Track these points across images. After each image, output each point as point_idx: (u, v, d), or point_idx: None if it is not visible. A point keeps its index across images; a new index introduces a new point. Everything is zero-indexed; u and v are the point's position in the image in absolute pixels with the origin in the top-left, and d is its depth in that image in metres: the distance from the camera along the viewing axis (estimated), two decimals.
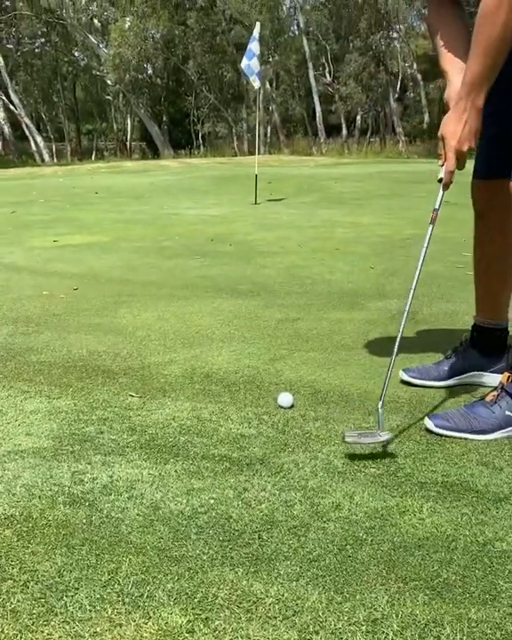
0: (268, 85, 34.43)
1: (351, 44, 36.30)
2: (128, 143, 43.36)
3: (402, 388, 2.54)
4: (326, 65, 38.46)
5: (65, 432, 2.20)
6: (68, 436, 2.18)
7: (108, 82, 37.05)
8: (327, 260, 5.28)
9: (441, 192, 2.17)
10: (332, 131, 38.64)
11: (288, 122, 41.49)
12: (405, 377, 2.57)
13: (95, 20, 38.44)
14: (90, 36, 36.93)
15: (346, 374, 2.71)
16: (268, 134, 38.42)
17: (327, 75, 38.49)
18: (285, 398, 2.37)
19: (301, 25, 35.84)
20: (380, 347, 3.05)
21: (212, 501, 1.78)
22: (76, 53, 41.81)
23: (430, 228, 2.22)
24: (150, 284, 4.47)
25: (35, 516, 1.72)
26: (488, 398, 2.17)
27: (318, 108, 35.31)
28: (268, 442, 2.12)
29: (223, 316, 3.63)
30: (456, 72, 2.12)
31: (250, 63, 9.99)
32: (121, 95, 39.31)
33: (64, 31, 38.60)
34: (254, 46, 9.94)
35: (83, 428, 2.23)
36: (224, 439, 2.14)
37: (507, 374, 2.17)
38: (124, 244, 6.15)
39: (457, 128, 2.05)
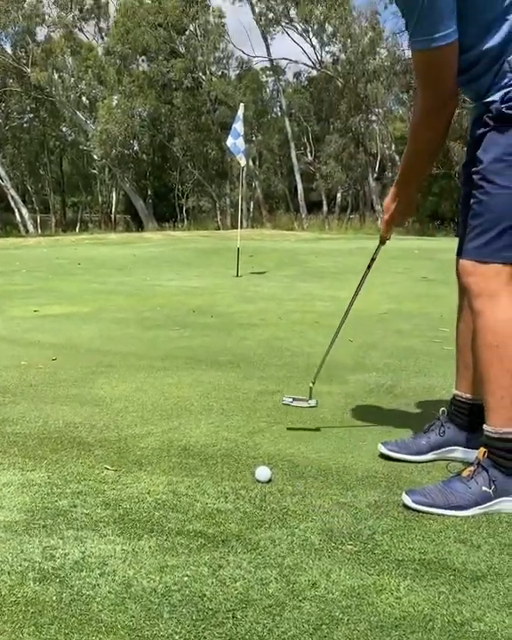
0: (251, 163, 35.42)
1: (332, 126, 37.66)
2: (113, 216, 44.04)
3: (380, 462, 2.53)
4: (308, 145, 39.74)
5: (37, 506, 2.16)
6: (41, 509, 2.13)
7: (95, 156, 37.91)
8: (307, 332, 5.32)
9: (378, 245, 2.73)
10: (313, 207, 39.60)
11: (270, 198, 42.50)
12: (384, 450, 2.57)
13: (83, 98, 39.62)
14: (78, 112, 37.99)
15: (324, 448, 2.70)
16: (251, 209, 39.26)
17: (308, 154, 39.71)
18: (263, 472, 2.35)
19: (284, 107, 37.20)
20: (359, 420, 3.05)
21: (185, 579, 1.74)
22: (64, 128, 42.91)
23: (365, 272, 2.78)
24: (130, 355, 4.47)
25: (3, 593, 1.67)
26: (465, 474, 2.17)
27: (300, 186, 36.28)
28: (245, 517, 2.09)
29: (202, 388, 3.62)
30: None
31: (235, 142, 10.36)
32: (107, 169, 40.18)
33: (53, 107, 39.70)
34: (239, 126, 10.33)
35: (56, 501, 2.19)
36: (200, 514, 2.10)
37: (483, 449, 2.18)
38: (104, 315, 6.17)
39: (390, 205, 2.52)
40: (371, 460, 2.56)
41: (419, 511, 2.11)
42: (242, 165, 11.06)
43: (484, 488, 2.12)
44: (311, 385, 2.94)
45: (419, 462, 2.52)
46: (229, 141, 10.51)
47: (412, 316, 5.86)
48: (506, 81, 2.11)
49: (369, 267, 2.76)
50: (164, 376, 3.89)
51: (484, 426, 2.19)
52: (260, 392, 3.55)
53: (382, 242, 2.70)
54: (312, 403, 2.94)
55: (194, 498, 2.22)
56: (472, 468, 2.17)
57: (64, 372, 3.97)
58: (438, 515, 2.10)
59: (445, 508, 2.10)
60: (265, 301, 7.15)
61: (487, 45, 2.09)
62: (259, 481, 2.35)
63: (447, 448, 2.53)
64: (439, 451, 2.54)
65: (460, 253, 2.43)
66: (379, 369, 4.07)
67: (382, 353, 4.52)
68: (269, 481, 2.35)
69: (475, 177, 2.17)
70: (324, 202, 38.71)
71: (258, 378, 3.86)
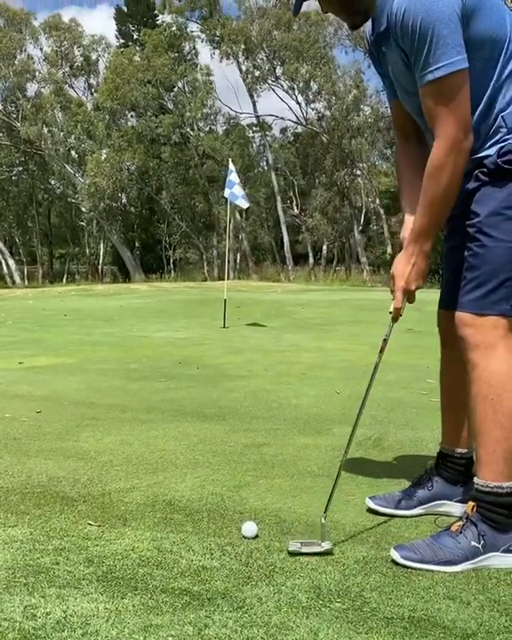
0: (237, 216, 35.88)
1: (317, 180, 38.46)
2: (100, 267, 44.29)
3: (367, 517, 2.50)
4: (294, 198, 40.45)
5: (19, 563, 2.11)
6: (22, 567, 2.08)
7: (83, 209, 38.33)
8: (294, 384, 5.32)
9: (390, 324, 2.35)
10: (300, 259, 40.07)
11: (257, 250, 43.00)
12: (371, 505, 2.54)
13: (72, 152, 40.25)
14: (67, 165, 38.55)
15: (311, 503, 2.67)
16: (238, 261, 39.62)
17: (295, 207, 40.38)
18: (249, 528, 2.32)
19: (270, 161, 37.98)
20: (346, 474, 3.02)
21: (170, 639, 1.69)
22: (53, 181, 43.47)
23: (378, 357, 2.38)
24: (115, 407, 4.44)
25: None
26: (454, 528, 2.15)
27: (286, 238, 36.76)
28: (231, 574, 2.05)
29: (188, 441, 3.59)
30: (411, 213, 2.31)
31: (232, 191, 10.70)
32: (95, 222, 40.59)
33: (42, 161, 40.28)
34: (233, 177, 10.70)
35: (38, 558, 2.14)
36: (185, 571, 2.06)
37: (471, 503, 2.16)
38: (89, 366, 6.15)
39: (405, 269, 2.24)
40: (358, 514, 2.54)
41: (407, 567, 2.08)
42: (244, 208, 11.40)
43: (473, 543, 2.10)
44: (322, 519, 2.23)
45: (407, 517, 2.50)
46: (226, 193, 10.86)
47: (399, 367, 5.88)
48: (500, 136, 2.15)
49: (381, 351, 2.37)
50: (150, 429, 3.86)
51: (475, 479, 2.18)
52: (246, 445, 3.53)
53: (395, 319, 2.32)
54: (326, 546, 2.18)
55: (179, 554, 2.18)
56: (461, 523, 2.15)
57: (48, 425, 3.93)
58: (427, 570, 2.07)
59: (434, 564, 2.08)
60: (251, 352, 7.16)
61: (478, 98, 2.12)
62: (245, 537, 2.31)
63: (436, 502, 2.51)
64: (427, 505, 2.52)
65: (443, 306, 2.47)
66: (366, 422, 4.06)
67: (369, 405, 4.48)
68: (256, 537, 2.32)
69: (470, 230, 2.19)
70: (310, 254, 39.22)
71: (244, 430, 3.84)
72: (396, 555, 2.11)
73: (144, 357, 6.76)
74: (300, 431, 3.84)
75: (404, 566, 2.09)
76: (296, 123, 38.89)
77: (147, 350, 7.36)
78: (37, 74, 38.78)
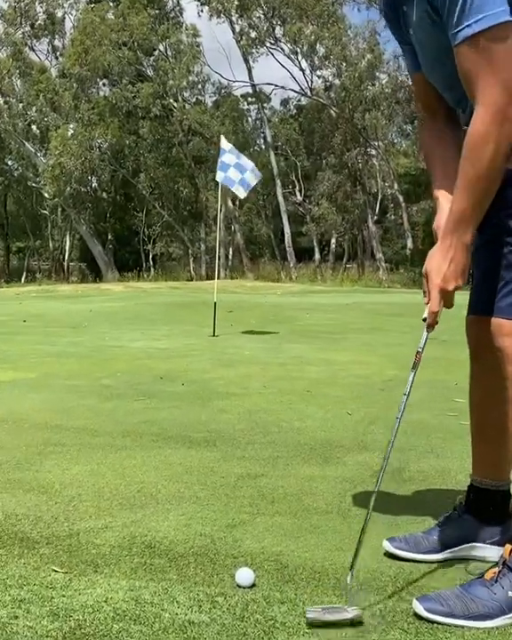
0: (230, 203, 35.95)
1: (324, 161, 38.54)
2: (65, 264, 44.31)
3: (385, 562, 2.50)
4: (296, 182, 40.54)
5: None
6: None
7: (46, 195, 38.37)
8: (296, 403, 5.32)
9: (425, 333, 2.28)
10: (303, 255, 40.12)
11: (253, 243, 43.08)
12: (390, 548, 2.54)
13: (33, 127, 40.30)
14: (26, 143, 38.58)
15: (318, 545, 2.67)
16: (230, 257, 39.72)
17: (297, 193, 40.47)
18: (245, 575, 2.32)
19: (269, 139, 38.06)
20: (359, 511, 3.03)
21: None
22: (10, 162, 43.50)
23: (412, 374, 2.30)
24: (84, 431, 4.43)
25: None
26: (488, 576, 2.15)
27: (287, 230, 36.80)
28: (223, 631, 2.05)
29: (171, 471, 3.59)
30: (447, 200, 2.27)
31: (227, 174, 10.62)
32: (60, 210, 40.59)
33: None
34: (226, 158, 10.60)
35: None
36: (168, 627, 2.06)
37: (508, 547, 2.16)
38: (54, 382, 6.15)
39: (442, 265, 2.18)
40: (374, 559, 2.53)
41: (433, 622, 2.08)
42: (241, 197, 11.37)
43: (510, 593, 2.10)
44: (349, 579, 2.14)
45: (432, 562, 2.49)
46: (219, 176, 10.77)
47: (422, 384, 5.86)
48: None
49: (415, 365, 2.31)
50: (126, 456, 3.85)
51: None
52: (240, 476, 3.53)
53: (431, 326, 2.26)
54: (354, 612, 2.05)
55: (161, 607, 2.18)
56: (496, 570, 2.15)
57: (4, 453, 3.92)
58: (457, 626, 2.07)
59: (465, 619, 2.07)
60: (246, 366, 7.16)
61: None
62: (240, 586, 2.31)
63: (466, 545, 2.51)
64: (456, 548, 2.51)
65: (472, 311, 2.47)
66: (382, 448, 4.05)
67: (386, 429, 4.51)
68: (253, 586, 2.31)
69: (508, 221, 2.20)
70: (316, 248, 39.30)
71: (238, 458, 3.84)
72: (419, 607, 2.11)
73: (118, 372, 6.76)
74: (305, 460, 3.84)
75: (429, 621, 2.08)
76: (299, 93, 39.07)
77: (122, 363, 7.35)
78: None
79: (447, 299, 2.21)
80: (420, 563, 2.49)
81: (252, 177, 10.85)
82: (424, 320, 2.25)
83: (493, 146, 2.06)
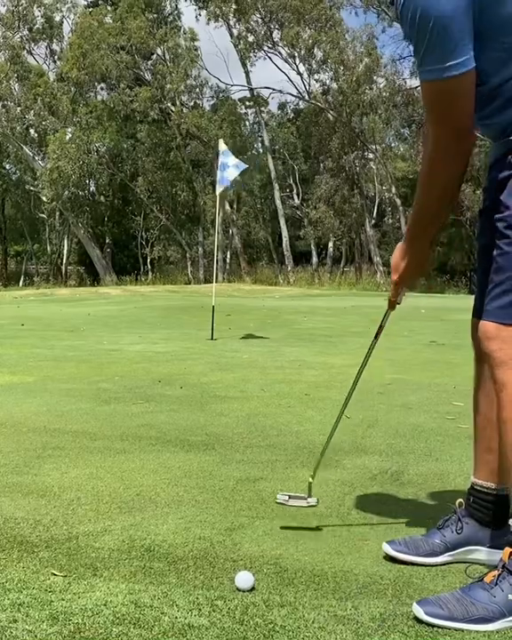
0: (227, 207, 35.98)
1: (322, 165, 38.57)
2: (63, 267, 44.29)
3: (385, 566, 2.50)
4: (294, 186, 40.56)
5: None
6: None
7: (44, 198, 38.34)
8: (295, 407, 5.32)
9: (387, 312, 2.73)
10: (301, 258, 40.16)
11: (250, 247, 43.09)
12: (390, 551, 2.54)
13: (31, 130, 40.30)
14: (24, 147, 38.58)
15: (317, 548, 2.66)
16: (228, 260, 39.72)
17: (295, 197, 40.50)
18: (244, 579, 2.31)
19: (266, 142, 38.11)
20: (358, 514, 3.03)
21: None
22: (8, 166, 43.49)
23: (373, 342, 2.78)
24: (82, 435, 4.43)
25: None
26: (487, 579, 2.15)
27: (285, 233, 36.85)
28: (223, 634, 2.04)
29: (170, 475, 3.59)
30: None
31: (224, 174, 10.67)
32: (58, 213, 40.58)
33: None
34: (228, 160, 10.64)
35: None
36: (167, 631, 2.06)
37: (508, 549, 2.16)
38: (52, 386, 6.14)
39: (400, 263, 2.52)
40: (374, 562, 2.53)
41: (433, 625, 2.08)
42: (218, 194, 11.32)
43: (510, 596, 2.10)
44: (310, 479, 2.85)
45: (432, 565, 2.49)
46: (218, 176, 10.81)
47: (420, 387, 5.89)
48: None
49: (376, 336, 2.73)
50: (124, 460, 3.85)
51: (511, 521, 2.18)
52: (239, 479, 3.52)
53: (391, 307, 2.69)
54: (312, 501, 2.86)
55: (160, 610, 2.18)
56: (496, 573, 2.15)
57: (3, 456, 3.92)
58: (457, 629, 2.06)
59: (465, 622, 2.07)
60: (245, 369, 7.16)
61: (505, 80, 2.15)
62: (239, 589, 2.31)
63: (466, 548, 2.51)
64: (456, 551, 2.51)
65: (477, 314, 2.47)
66: (382, 451, 4.06)
67: (385, 432, 4.52)
68: (252, 589, 2.31)
69: (499, 225, 2.20)
70: (314, 252, 39.35)
71: (237, 462, 3.84)
72: (419, 611, 2.11)
73: (117, 375, 6.75)
74: (304, 463, 3.84)
75: (429, 624, 2.08)
76: (297, 97, 39.14)
77: (120, 367, 7.35)
78: None
79: (408, 287, 2.64)
80: (420, 566, 2.49)
81: (234, 171, 10.85)
82: (386, 300, 2.71)
83: (437, 172, 2.27)
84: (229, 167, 10.70)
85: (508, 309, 2.15)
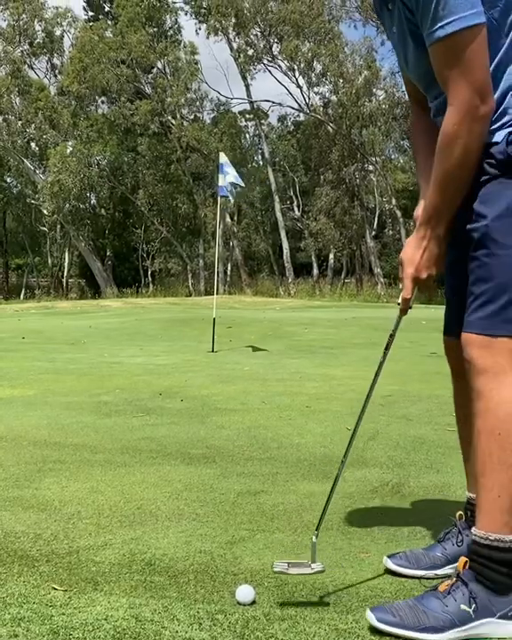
0: (228, 219, 36.05)
1: (322, 177, 38.65)
2: (64, 280, 44.33)
3: (387, 579, 2.49)
4: (294, 198, 40.67)
5: None
6: None
7: (45, 211, 38.44)
8: (296, 419, 5.31)
9: (398, 316, 2.41)
10: (302, 270, 40.21)
11: (251, 259, 43.14)
12: (391, 565, 2.53)
13: (32, 144, 40.45)
14: (25, 160, 38.69)
15: (318, 562, 2.65)
16: (229, 272, 39.76)
17: (295, 209, 40.59)
18: (245, 593, 2.31)
19: (267, 155, 38.24)
20: (360, 527, 3.02)
21: None
22: (9, 179, 43.61)
23: (383, 355, 2.45)
24: (83, 448, 4.43)
25: None
26: (441, 588, 2.12)
27: (285, 245, 36.90)
28: None
29: (171, 488, 3.58)
30: (426, 190, 2.32)
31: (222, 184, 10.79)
32: (58, 226, 40.66)
33: None
34: (231, 169, 10.76)
35: None
36: None
37: (463, 559, 2.14)
38: (52, 399, 6.14)
39: (415, 254, 2.27)
40: (375, 576, 2.52)
41: (384, 632, 2.06)
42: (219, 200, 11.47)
43: (462, 606, 2.07)
44: (314, 539, 2.37)
45: (433, 578, 2.48)
46: (222, 181, 10.93)
47: (421, 398, 5.88)
48: (509, 118, 2.14)
49: (387, 347, 2.45)
50: (125, 473, 3.85)
51: (473, 529, 2.15)
52: (240, 493, 3.52)
53: (404, 311, 2.40)
54: (317, 567, 2.33)
55: (161, 624, 2.17)
56: (450, 582, 2.13)
57: (3, 470, 3.91)
58: (406, 638, 2.05)
59: (416, 630, 2.05)
60: (245, 382, 7.16)
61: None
62: (240, 603, 2.30)
63: None
64: (456, 564, 2.50)
65: (449, 331, 2.46)
66: (382, 463, 4.05)
67: (386, 444, 4.51)
68: (253, 603, 2.30)
69: (474, 235, 2.16)
70: (315, 264, 39.39)
71: (237, 475, 3.83)
72: (371, 616, 2.09)
73: (117, 388, 6.75)
74: (305, 476, 3.83)
75: (380, 631, 2.07)
76: (297, 110, 39.29)
77: (120, 380, 7.35)
78: None
79: (422, 285, 2.31)
80: (422, 579, 2.48)
81: (232, 179, 10.98)
82: (398, 305, 2.38)
83: (462, 145, 2.10)
84: (228, 174, 10.81)
85: (491, 320, 2.13)
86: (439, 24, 2.03)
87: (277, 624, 2.18)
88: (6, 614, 2.23)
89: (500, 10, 2.10)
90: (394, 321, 2.41)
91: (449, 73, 2.08)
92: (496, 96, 2.13)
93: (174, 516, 3.17)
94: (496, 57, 2.13)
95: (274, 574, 2.54)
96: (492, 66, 2.12)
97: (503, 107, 2.14)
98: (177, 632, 2.13)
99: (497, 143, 2.13)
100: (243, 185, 11.47)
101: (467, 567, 2.12)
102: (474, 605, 2.07)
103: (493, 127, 2.14)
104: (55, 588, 2.41)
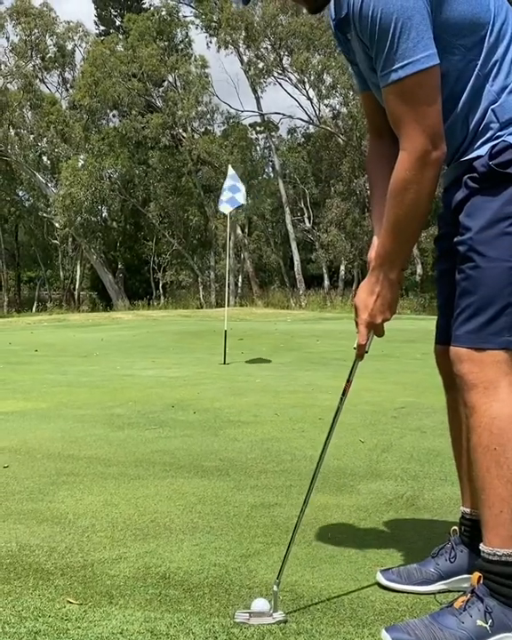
0: (239, 231, 36.11)
1: (333, 188, 38.67)
2: (76, 293, 44.46)
3: (376, 594, 2.47)
4: (305, 210, 40.68)
5: None
6: None
7: (56, 225, 38.62)
8: (309, 431, 5.30)
9: (354, 361, 2.41)
10: (313, 281, 40.19)
11: (262, 271, 43.16)
12: (383, 580, 2.51)
13: (44, 158, 40.70)
14: (37, 174, 38.91)
15: (333, 575, 2.65)
16: (240, 284, 39.80)
17: (306, 220, 40.60)
18: (260, 606, 2.30)
19: (277, 167, 38.32)
20: (375, 540, 3.01)
21: None
22: (21, 193, 43.88)
23: (341, 401, 2.47)
24: (97, 461, 4.43)
25: None
26: (457, 604, 2.11)
27: (296, 257, 36.91)
28: None
29: (184, 501, 3.58)
30: (379, 232, 2.29)
31: (234, 196, 10.80)
32: (70, 239, 40.84)
33: (8, 168, 40.61)
34: (239, 184, 10.82)
35: None
36: None
37: (477, 574, 2.12)
38: (66, 412, 6.15)
39: (368, 299, 2.27)
40: (368, 590, 2.51)
41: None
42: (225, 212, 11.48)
43: (478, 622, 2.06)
44: (275, 587, 2.30)
45: (425, 594, 2.45)
46: (226, 196, 10.95)
47: (435, 410, 5.86)
48: (491, 133, 2.14)
49: (344, 393, 2.48)
50: (139, 486, 3.85)
51: (481, 545, 2.14)
52: (254, 505, 3.51)
53: (360, 356, 2.40)
54: (278, 616, 2.26)
55: (176, 638, 2.17)
56: (465, 598, 2.11)
57: (18, 483, 3.92)
58: None
59: None
60: (258, 394, 7.15)
61: (460, 92, 2.13)
62: None
63: (460, 576, 2.47)
64: (450, 580, 2.47)
65: (440, 341, 2.46)
66: (396, 476, 4.04)
67: (400, 456, 4.50)
68: None
69: (460, 248, 2.16)
70: (326, 275, 39.35)
71: (251, 488, 3.83)
72: (386, 637, 2.08)
73: (130, 401, 6.76)
74: (318, 488, 3.81)
75: None
76: (307, 122, 39.41)
77: (133, 392, 7.35)
78: (3, 67, 39.42)
79: (377, 329, 2.33)
80: (414, 594, 2.46)
81: (241, 197, 11.00)
82: (355, 349, 2.37)
83: (415, 191, 2.10)
84: (240, 191, 10.82)
85: (479, 333, 2.12)
86: (392, 67, 2.02)
87: (293, 637, 2.18)
88: (22, 628, 2.23)
89: (466, 39, 2.09)
90: (351, 367, 2.43)
91: (401, 117, 2.07)
92: (477, 116, 2.14)
93: (188, 529, 3.17)
94: (470, 80, 2.13)
95: (289, 587, 2.53)
96: (468, 89, 2.13)
97: (485, 122, 2.15)
98: None
99: (480, 157, 2.13)
100: (244, 203, 11.48)
101: (481, 582, 2.10)
102: (490, 620, 2.06)
103: (476, 143, 2.16)
104: (70, 602, 2.41)
